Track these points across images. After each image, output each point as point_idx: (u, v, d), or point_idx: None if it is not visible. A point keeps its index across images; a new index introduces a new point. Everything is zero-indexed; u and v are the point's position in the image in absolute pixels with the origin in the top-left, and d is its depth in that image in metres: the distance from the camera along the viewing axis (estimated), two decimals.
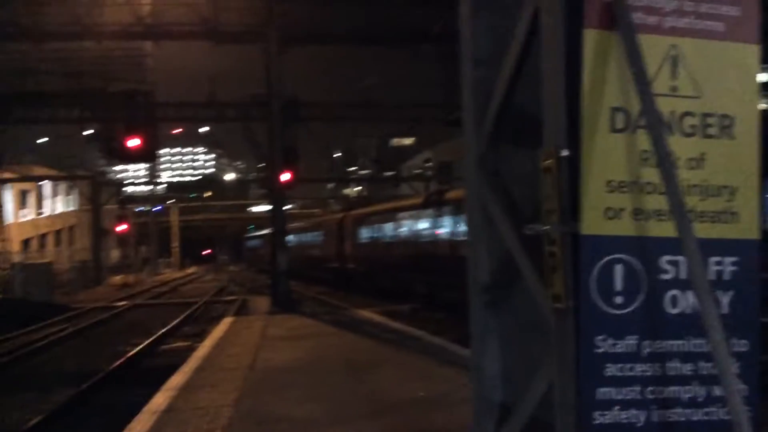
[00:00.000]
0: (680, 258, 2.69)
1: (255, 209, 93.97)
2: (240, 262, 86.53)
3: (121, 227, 48.93)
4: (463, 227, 21.51)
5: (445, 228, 23.24)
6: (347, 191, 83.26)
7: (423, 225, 25.52)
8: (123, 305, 26.77)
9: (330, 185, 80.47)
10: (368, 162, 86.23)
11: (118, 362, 13.17)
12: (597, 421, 2.66)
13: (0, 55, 27.04)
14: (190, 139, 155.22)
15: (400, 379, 8.47)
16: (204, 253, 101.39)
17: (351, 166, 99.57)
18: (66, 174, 51.40)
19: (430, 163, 53.14)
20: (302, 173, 29.97)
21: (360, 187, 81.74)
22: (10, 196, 43.84)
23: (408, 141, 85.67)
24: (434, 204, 24.91)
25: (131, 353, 14.25)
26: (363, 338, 12.84)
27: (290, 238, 35.64)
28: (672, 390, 2.71)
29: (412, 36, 22.78)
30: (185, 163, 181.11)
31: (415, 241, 26.17)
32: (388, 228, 29.30)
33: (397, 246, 27.78)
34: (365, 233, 32.62)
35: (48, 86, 27.02)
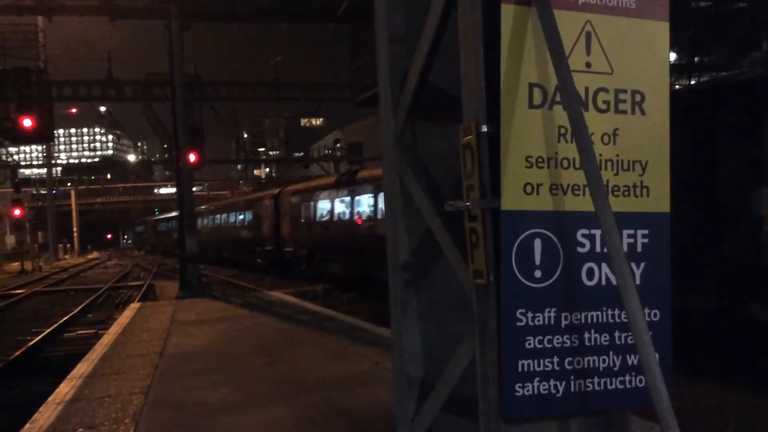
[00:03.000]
0: (595, 231, 2.75)
1: (162, 191, 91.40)
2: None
3: (17, 212, 46.46)
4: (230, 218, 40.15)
5: (230, 220, 40.34)
6: (257, 172, 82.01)
7: (221, 220, 42.98)
8: (21, 293, 25.49)
9: (239, 166, 78.99)
10: (277, 142, 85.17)
11: (18, 352, 12.54)
12: (518, 394, 2.71)
13: None
14: (88, 119, 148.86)
15: (315, 359, 8.43)
16: (107, 237, 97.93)
17: (260, 147, 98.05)
18: None
19: (340, 144, 53.09)
20: (210, 154, 29.30)
21: (267, 169, 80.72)
22: None
23: (317, 121, 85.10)
24: (217, 208, 45.29)
25: (32, 342, 13.59)
26: (276, 320, 12.71)
27: (163, 225, 64.89)
28: (589, 360, 2.79)
29: (319, 15, 22.49)
30: (84, 144, 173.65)
31: (221, 228, 42.29)
32: (210, 219, 46.30)
33: (213, 231, 44.08)
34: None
35: None
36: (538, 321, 2.74)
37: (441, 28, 3.13)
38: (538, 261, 2.72)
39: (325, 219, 24.70)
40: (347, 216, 22.79)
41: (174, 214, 61.77)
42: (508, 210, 2.67)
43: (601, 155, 2.74)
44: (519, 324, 2.70)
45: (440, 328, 3.49)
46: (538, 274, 2.73)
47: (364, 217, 21.59)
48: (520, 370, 2.71)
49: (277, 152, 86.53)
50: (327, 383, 7.09)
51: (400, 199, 3.47)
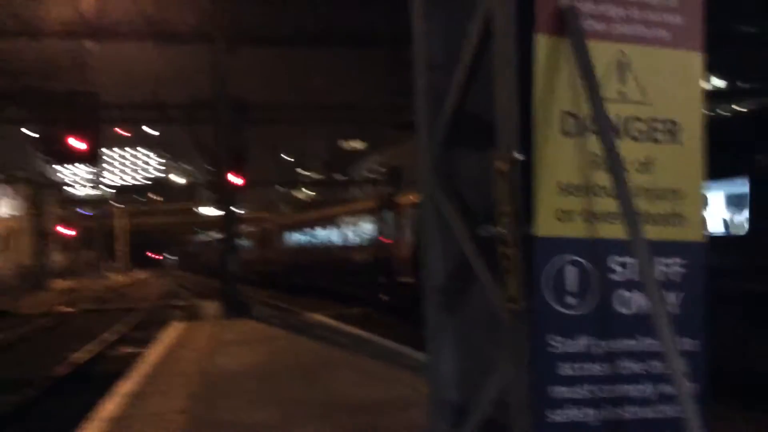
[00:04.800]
0: (630, 259, 2.75)
1: (205, 212, 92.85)
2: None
3: (66, 231, 47.70)
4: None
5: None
6: (298, 194, 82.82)
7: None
8: (68, 311, 26.10)
9: (281, 188, 79.87)
10: (319, 165, 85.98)
11: (64, 369, 12.84)
12: (551, 420, 2.71)
13: None
14: (137, 141, 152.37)
15: (353, 382, 8.47)
16: (152, 257, 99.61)
17: (302, 169, 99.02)
18: (4, 176, 49.75)
19: (381, 167, 53.43)
20: (252, 176, 29.84)
21: (309, 191, 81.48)
22: None
23: (359, 144, 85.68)
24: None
25: (78, 360, 13.90)
26: (315, 342, 12.79)
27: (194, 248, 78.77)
28: (623, 388, 2.77)
29: (361, 38, 22.80)
30: (132, 166, 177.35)
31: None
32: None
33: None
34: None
35: None
36: (571, 348, 2.74)
37: (477, 56, 3.19)
38: (571, 287, 2.73)
39: (293, 248, 36.04)
40: (308, 246, 33.52)
41: (205, 238, 72.15)
42: (541, 236, 2.69)
43: (635, 183, 2.75)
44: (551, 350, 2.71)
45: (475, 352, 3.51)
46: (571, 300, 2.74)
47: (308, 247, 32.93)
48: (552, 396, 2.71)
49: (319, 175, 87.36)
50: (365, 406, 7.11)
51: (434, 223, 3.52)
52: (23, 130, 39.66)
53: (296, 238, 35.57)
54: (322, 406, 7.18)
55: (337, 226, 28.54)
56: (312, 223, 33.36)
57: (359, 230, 25.80)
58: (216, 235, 47.11)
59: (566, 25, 2.67)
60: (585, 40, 2.63)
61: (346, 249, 27.05)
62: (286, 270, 36.05)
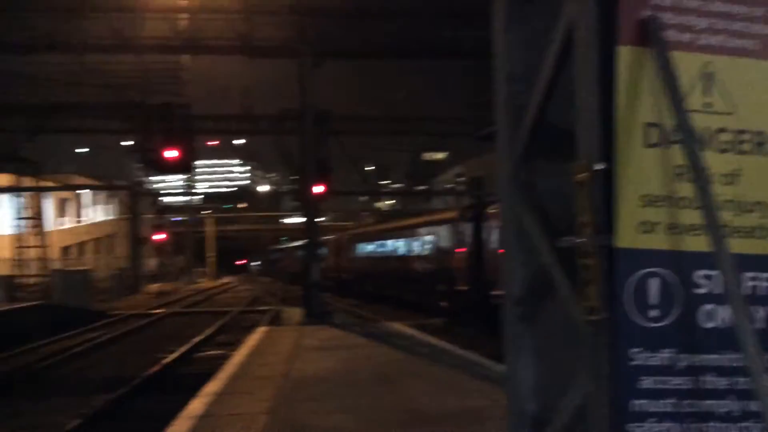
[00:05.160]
0: (715, 272, 2.70)
1: (288, 220, 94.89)
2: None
3: (159, 236, 49.70)
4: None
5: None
6: (380, 204, 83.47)
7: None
8: (160, 313, 27.13)
9: (362, 198, 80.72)
10: (401, 175, 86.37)
11: (154, 369, 13.37)
12: None
13: (41, 66, 27.60)
14: (225, 151, 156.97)
15: (432, 392, 8.49)
16: (238, 263, 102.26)
17: (384, 180, 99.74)
18: (105, 183, 52.35)
19: (463, 178, 53.30)
20: (334, 186, 30.33)
21: (393, 201, 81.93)
22: (50, 205, 44.80)
23: (440, 155, 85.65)
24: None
25: (168, 360, 14.45)
26: (395, 350, 12.87)
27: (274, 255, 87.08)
28: (707, 404, 2.72)
29: (443, 51, 22.86)
30: (221, 175, 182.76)
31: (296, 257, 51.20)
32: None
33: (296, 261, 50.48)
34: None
35: (88, 97, 27.58)
36: (653, 361, 2.70)
37: (558, 67, 3.19)
38: (653, 300, 2.70)
39: (361, 257, 39.30)
40: (374, 256, 36.62)
41: (282, 246, 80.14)
42: (623, 248, 2.67)
43: (721, 196, 2.70)
44: (633, 363, 2.69)
45: (554, 363, 3.49)
46: (653, 313, 2.70)
47: (376, 258, 35.94)
48: (632, 409, 2.68)
49: (401, 185, 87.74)
50: (443, 416, 7.13)
51: (514, 234, 3.53)
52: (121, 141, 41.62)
53: (368, 247, 38.67)
54: (400, 415, 7.24)
55: (406, 237, 31.18)
56: (383, 234, 36.26)
57: (425, 241, 27.92)
58: (298, 243, 48.38)
59: (649, 36, 2.66)
60: (668, 51, 2.61)
61: (413, 258, 29.16)
62: (358, 278, 39.21)
